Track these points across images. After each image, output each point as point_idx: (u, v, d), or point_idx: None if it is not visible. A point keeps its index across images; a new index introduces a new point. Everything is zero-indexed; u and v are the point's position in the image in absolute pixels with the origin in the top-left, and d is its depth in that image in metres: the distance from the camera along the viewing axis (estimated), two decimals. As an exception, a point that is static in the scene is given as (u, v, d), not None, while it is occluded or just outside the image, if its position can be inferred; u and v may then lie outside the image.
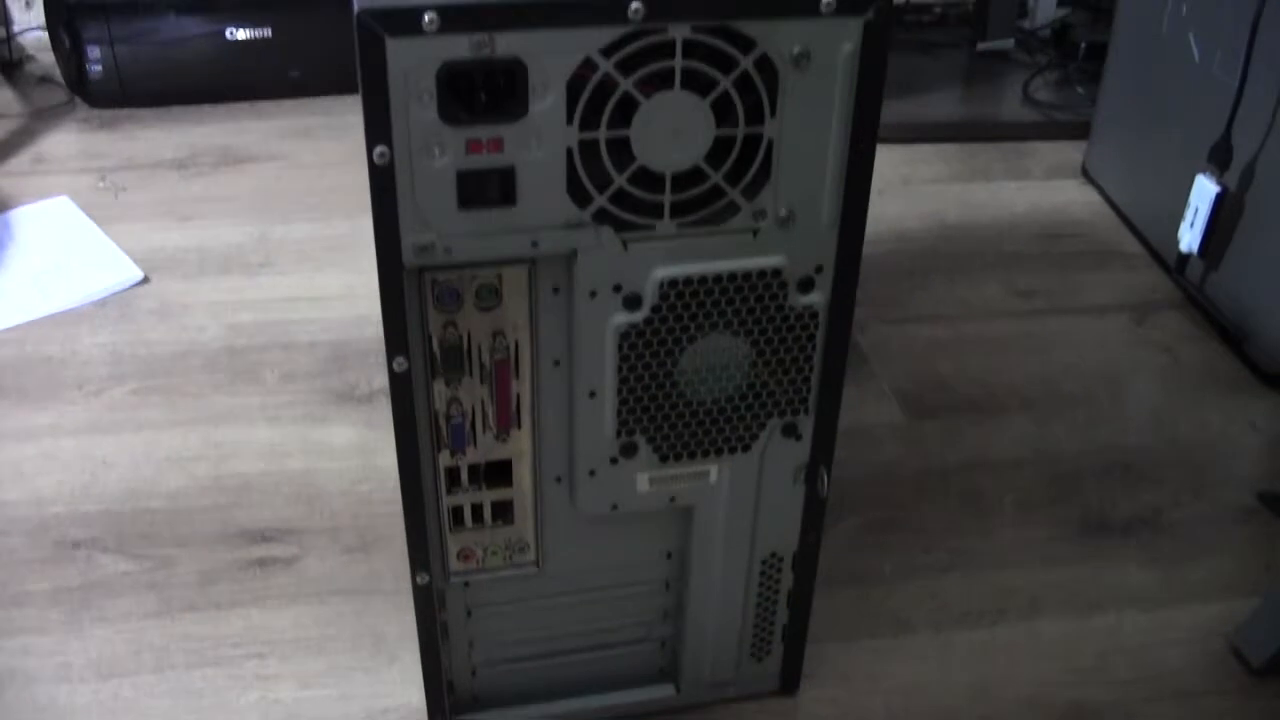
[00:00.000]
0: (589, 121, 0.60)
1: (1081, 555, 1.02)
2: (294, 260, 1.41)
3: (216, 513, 1.05)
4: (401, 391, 0.67)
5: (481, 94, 0.59)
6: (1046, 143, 1.73)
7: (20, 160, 1.64)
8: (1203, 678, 0.92)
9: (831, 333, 0.70)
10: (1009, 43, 1.95)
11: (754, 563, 0.80)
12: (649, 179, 0.63)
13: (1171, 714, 0.89)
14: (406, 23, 0.56)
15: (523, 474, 0.72)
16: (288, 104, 1.80)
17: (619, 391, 0.69)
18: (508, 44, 0.58)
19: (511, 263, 0.65)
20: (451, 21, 0.57)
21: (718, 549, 0.78)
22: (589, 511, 0.74)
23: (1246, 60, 1.21)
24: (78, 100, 1.80)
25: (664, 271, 0.65)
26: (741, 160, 0.63)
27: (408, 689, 0.88)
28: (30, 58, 1.94)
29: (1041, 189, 1.62)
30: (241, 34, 1.75)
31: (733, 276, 0.66)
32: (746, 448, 0.73)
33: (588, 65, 0.59)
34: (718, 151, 0.63)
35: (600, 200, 0.63)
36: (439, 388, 0.68)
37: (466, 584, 0.77)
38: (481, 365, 0.68)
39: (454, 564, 0.75)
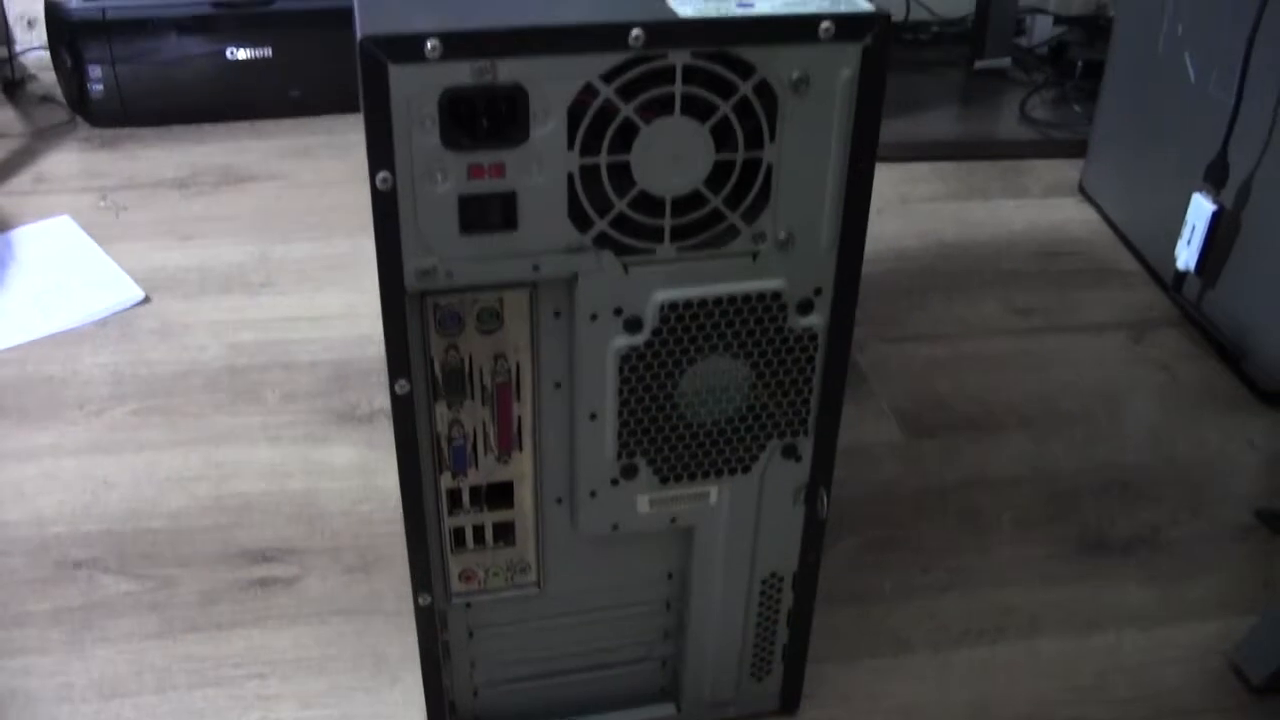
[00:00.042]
0: (590, 146, 0.61)
1: (1080, 574, 1.03)
2: (294, 279, 1.42)
3: (218, 533, 1.05)
4: (404, 414, 0.67)
5: (483, 119, 0.60)
6: (1044, 161, 1.74)
7: (22, 179, 1.65)
8: (1202, 696, 0.92)
9: (831, 354, 0.71)
10: (1006, 61, 1.96)
11: (754, 583, 0.80)
12: (649, 203, 0.63)
13: (1171, 733, 0.90)
14: (409, 50, 0.57)
15: (524, 495, 0.73)
16: (288, 123, 1.81)
17: (620, 413, 0.69)
18: (509, 70, 0.58)
19: (513, 286, 0.65)
20: (454, 48, 0.57)
21: (718, 569, 0.78)
22: (590, 532, 0.74)
23: (1242, 79, 1.22)
24: (79, 119, 1.80)
25: (664, 295, 0.66)
26: (741, 184, 0.64)
27: (409, 710, 0.88)
28: (32, 77, 1.95)
29: (1039, 207, 1.62)
30: (242, 54, 1.76)
31: (732, 299, 0.67)
32: (746, 469, 0.73)
33: (588, 91, 0.60)
34: (717, 176, 0.63)
35: (601, 224, 0.63)
36: (441, 410, 0.68)
37: (468, 605, 0.77)
38: (483, 388, 0.68)
39: (456, 585, 0.75)
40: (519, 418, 0.70)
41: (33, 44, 1.98)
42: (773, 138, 0.63)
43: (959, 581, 1.01)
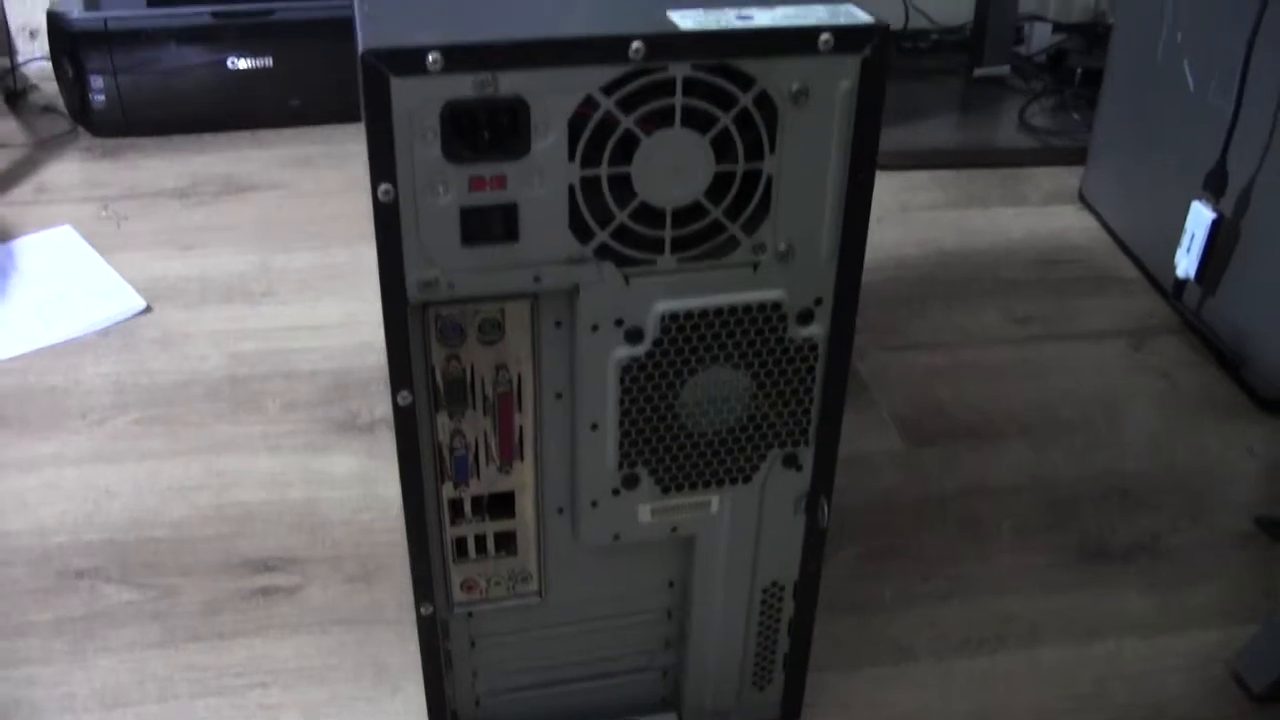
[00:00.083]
0: (590, 158, 0.61)
1: (1080, 582, 1.03)
2: (295, 289, 1.42)
3: (219, 542, 1.05)
4: (405, 425, 0.68)
5: (485, 132, 0.60)
6: (1043, 168, 1.74)
7: (23, 189, 1.65)
8: (1203, 704, 0.92)
9: (831, 364, 0.71)
10: (1005, 69, 1.97)
11: (755, 592, 0.80)
12: (650, 214, 0.63)
13: (1172, 741, 0.90)
14: (411, 63, 0.57)
15: (525, 505, 0.73)
16: (288, 133, 1.81)
17: (621, 424, 0.69)
18: (510, 83, 0.59)
19: (514, 297, 0.65)
20: (455, 61, 0.58)
21: (719, 578, 0.78)
22: (591, 542, 0.74)
23: (1241, 88, 1.22)
24: (80, 129, 1.81)
25: (665, 305, 0.66)
26: (741, 196, 0.64)
27: (410, 719, 0.89)
28: (34, 87, 1.96)
29: (1038, 215, 1.63)
30: (243, 64, 1.77)
31: (733, 310, 0.67)
32: (747, 478, 0.74)
33: (589, 103, 0.60)
34: (718, 187, 0.64)
35: (602, 236, 0.63)
36: (442, 421, 0.69)
37: (470, 614, 0.78)
38: (484, 398, 0.68)
39: (458, 595, 0.75)
40: (520, 428, 0.70)
41: (34, 54, 1.99)
42: (773, 149, 0.63)
43: (959, 590, 1.02)
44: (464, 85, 0.58)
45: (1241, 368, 1.27)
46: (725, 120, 0.61)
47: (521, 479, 0.72)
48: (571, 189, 0.62)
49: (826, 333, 0.69)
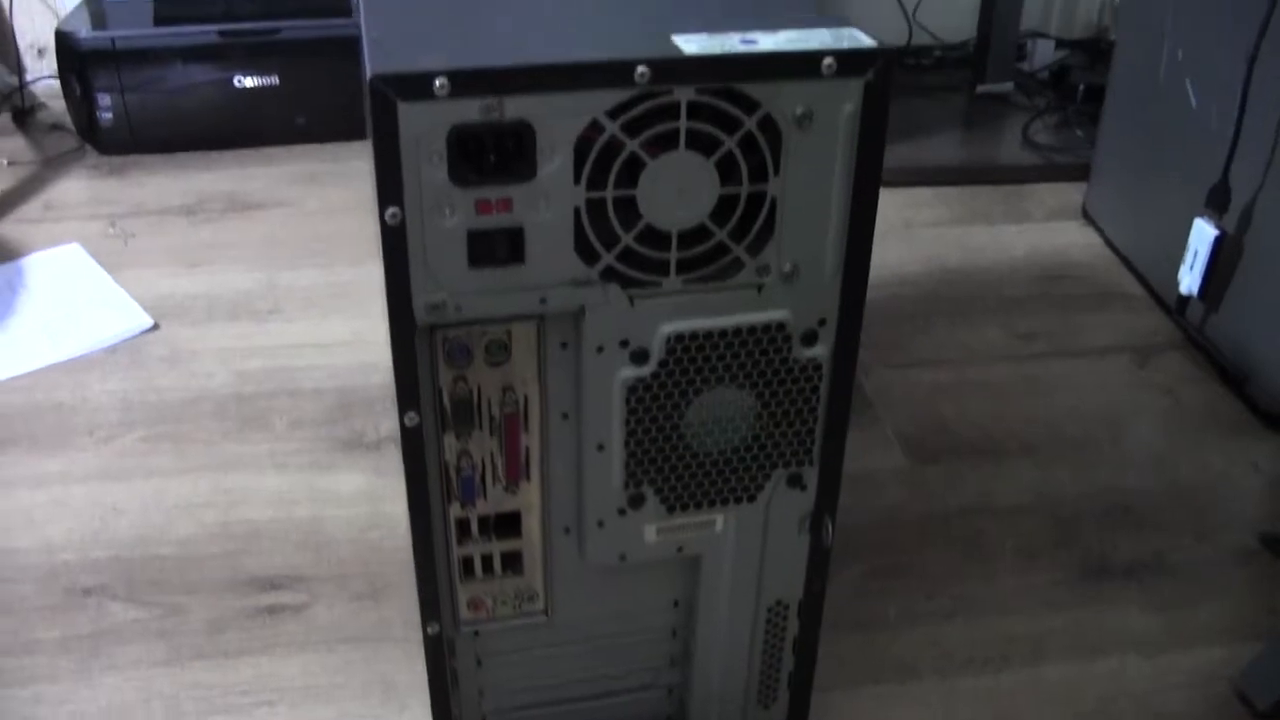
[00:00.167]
0: (596, 181, 0.62)
1: (1083, 599, 1.03)
2: (301, 306, 1.43)
3: (226, 560, 1.05)
4: (413, 445, 0.68)
5: (491, 155, 0.60)
6: (1046, 185, 1.74)
7: (31, 207, 1.66)
8: (1207, 722, 0.92)
9: (835, 384, 0.71)
10: (1008, 86, 1.98)
11: (760, 611, 0.80)
12: (655, 237, 0.64)
13: (1176, 759, 0.90)
14: (418, 88, 0.58)
15: (532, 525, 0.73)
16: (294, 150, 1.82)
17: (626, 444, 0.70)
18: (516, 107, 0.59)
19: (521, 319, 0.66)
20: (462, 86, 0.58)
21: (724, 597, 0.79)
22: (597, 562, 0.75)
23: (1242, 105, 1.23)
24: (88, 147, 1.82)
25: (670, 327, 0.66)
26: (746, 218, 0.64)
27: (416, 737, 0.89)
28: (42, 105, 1.97)
29: (1042, 231, 1.63)
30: (249, 82, 1.78)
31: (738, 331, 0.67)
32: (752, 498, 0.74)
33: (594, 127, 0.60)
34: (722, 209, 0.64)
35: (607, 258, 0.64)
36: (449, 441, 0.69)
37: (476, 633, 0.78)
38: (491, 419, 0.69)
39: (464, 614, 0.76)
40: (527, 448, 0.70)
41: (43, 73, 2.00)
42: (777, 171, 0.63)
43: (963, 608, 1.02)
44: (470, 110, 0.59)
45: (1245, 384, 1.27)
46: (730, 143, 0.62)
47: (528, 499, 0.72)
48: (577, 212, 0.62)
49: (831, 353, 0.70)
